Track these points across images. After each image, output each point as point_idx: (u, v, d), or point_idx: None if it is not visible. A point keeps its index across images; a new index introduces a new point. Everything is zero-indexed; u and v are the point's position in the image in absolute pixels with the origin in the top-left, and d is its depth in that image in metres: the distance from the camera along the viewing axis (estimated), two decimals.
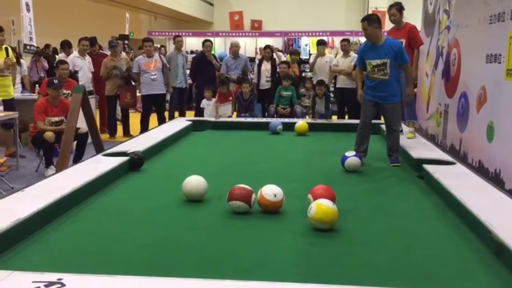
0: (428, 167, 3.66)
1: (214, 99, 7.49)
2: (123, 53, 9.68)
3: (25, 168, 6.29)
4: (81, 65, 8.12)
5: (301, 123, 5.95)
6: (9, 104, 6.68)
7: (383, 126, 5.70)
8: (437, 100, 6.53)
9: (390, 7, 5.42)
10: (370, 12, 20.35)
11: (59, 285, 1.72)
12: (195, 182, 3.14)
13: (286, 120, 6.50)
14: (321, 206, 2.58)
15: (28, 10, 9.02)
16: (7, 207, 2.62)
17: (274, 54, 9.51)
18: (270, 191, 2.87)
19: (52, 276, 1.79)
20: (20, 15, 9.30)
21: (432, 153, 4.26)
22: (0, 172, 5.27)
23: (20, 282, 1.75)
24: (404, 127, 5.33)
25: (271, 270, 2.13)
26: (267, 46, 9.22)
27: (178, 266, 2.16)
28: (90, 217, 2.85)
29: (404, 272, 2.16)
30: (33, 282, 1.74)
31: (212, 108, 7.45)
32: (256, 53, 15.59)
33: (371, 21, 4.30)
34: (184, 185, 3.12)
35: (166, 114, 8.60)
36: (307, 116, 7.47)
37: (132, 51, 13.22)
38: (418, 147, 4.51)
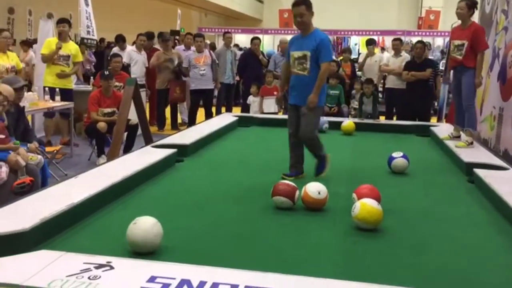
0: (479, 172, 3.54)
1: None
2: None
3: (78, 156, 6.55)
4: (137, 59, 8.44)
5: (348, 122, 5.89)
6: (68, 94, 6.98)
7: (434, 129, 5.55)
8: (491, 103, 6.29)
9: (461, 0, 4.90)
10: (424, 12, 19.84)
11: (108, 268, 1.79)
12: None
13: (333, 119, 6.44)
14: (366, 206, 2.55)
15: (87, 5, 9.36)
16: (62, 192, 2.74)
17: None
18: (314, 189, 2.87)
19: (102, 259, 1.87)
20: (77, 10, 9.67)
21: (484, 157, 4.11)
22: (55, 159, 5.51)
23: (72, 262, 1.83)
24: (462, 134, 4.98)
25: (312, 266, 2.13)
26: None
27: (221, 257, 2.19)
28: (138, 205, 2.94)
29: (450, 276, 2.11)
30: (84, 263, 1.82)
31: (258, 105, 7.51)
32: None
33: (309, 6, 3.61)
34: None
35: (213, 109, 8.72)
36: (349, 116, 7.36)
37: None
38: (469, 151, 4.37)
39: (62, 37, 6.97)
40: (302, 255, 2.27)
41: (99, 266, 1.80)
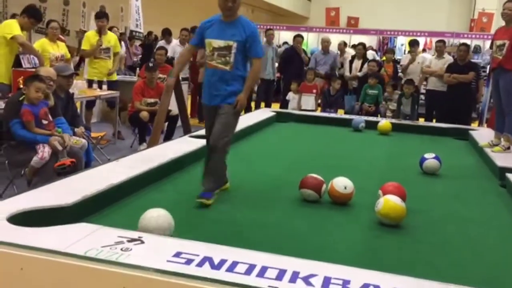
0: None
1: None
2: None
3: (121, 143, 6.85)
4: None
5: (384, 122, 5.89)
6: (113, 86, 7.25)
7: (473, 133, 5.45)
8: None
9: (509, 1, 4.65)
10: (476, 14, 19.25)
11: (139, 242, 1.95)
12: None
13: (370, 118, 6.45)
14: (389, 202, 2.62)
15: None
16: (103, 174, 2.95)
17: (367, 52, 9.42)
18: (341, 183, 2.96)
19: (134, 234, 2.04)
20: (128, 3, 10.03)
21: None
22: (99, 145, 5.80)
23: (107, 235, 2.01)
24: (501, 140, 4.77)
25: (333, 255, 2.22)
26: (359, 44, 9.15)
27: (244, 240, 2.32)
28: (172, 190, 3.12)
29: (469, 275, 2.15)
30: (118, 236, 1.99)
31: (296, 101, 7.60)
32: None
33: None
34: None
35: (253, 104, 8.86)
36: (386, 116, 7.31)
37: None
38: (504, 156, 4.30)
39: (102, 32, 6.94)
40: (324, 244, 2.37)
41: (131, 240, 1.96)
